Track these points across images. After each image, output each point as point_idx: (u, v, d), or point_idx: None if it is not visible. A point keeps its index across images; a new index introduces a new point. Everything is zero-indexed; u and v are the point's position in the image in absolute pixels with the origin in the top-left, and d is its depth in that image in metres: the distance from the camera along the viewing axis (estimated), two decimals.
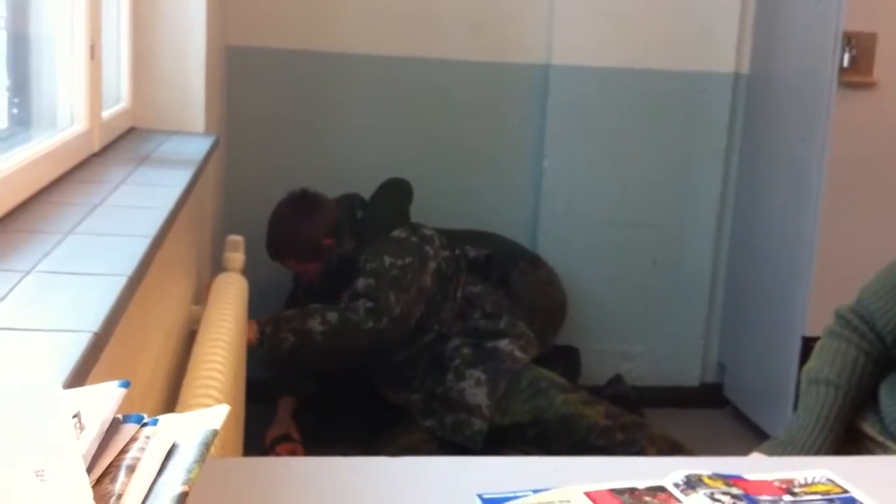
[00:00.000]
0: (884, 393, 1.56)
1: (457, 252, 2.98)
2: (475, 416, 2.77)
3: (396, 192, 3.01)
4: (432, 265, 2.86)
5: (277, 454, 2.76)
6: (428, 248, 2.87)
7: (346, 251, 2.90)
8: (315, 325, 2.70)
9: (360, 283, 2.77)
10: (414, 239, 2.87)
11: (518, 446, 2.77)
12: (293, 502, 0.96)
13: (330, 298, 2.82)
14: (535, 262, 3.14)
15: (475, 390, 2.79)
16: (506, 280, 3.05)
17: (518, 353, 2.84)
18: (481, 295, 2.97)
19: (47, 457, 0.51)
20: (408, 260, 2.82)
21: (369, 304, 2.74)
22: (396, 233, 2.87)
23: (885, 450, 1.53)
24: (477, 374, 2.80)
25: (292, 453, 2.77)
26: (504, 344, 2.86)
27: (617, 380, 3.33)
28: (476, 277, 3.01)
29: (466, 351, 2.86)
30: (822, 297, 2.99)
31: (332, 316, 2.72)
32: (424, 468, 1.08)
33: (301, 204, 2.93)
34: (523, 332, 2.92)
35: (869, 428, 1.56)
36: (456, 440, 2.77)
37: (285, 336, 2.68)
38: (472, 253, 3.04)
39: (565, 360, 3.24)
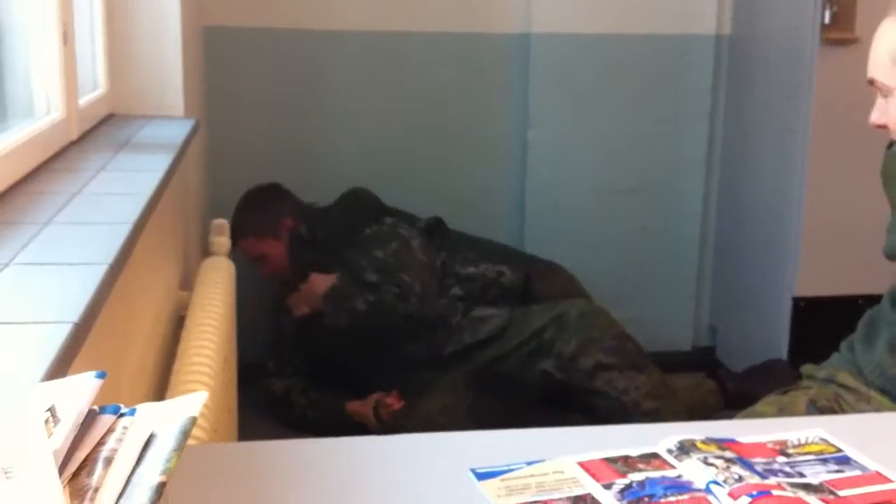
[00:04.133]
0: (859, 348, 1.59)
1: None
2: (493, 317, 2.86)
3: (358, 205, 3.00)
4: (415, 242, 2.87)
5: (389, 406, 2.84)
6: (402, 231, 2.89)
7: (308, 238, 2.92)
8: (360, 304, 2.78)
9: (372, 278, 2.80)
10: (386, 228, 2.89)
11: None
12: (287, 485, 0.95)
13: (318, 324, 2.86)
14: (551, 266, 3.12)
15: (487, 310, 2.88)
16: (527, 286, 3.03)
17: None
18: (449, 260, 2.98)
19: (15, 454, 0.50)
20: (394, 245, 2.85)
21: (395, 289, 2.77)
22: (367, 231, 2.89)
23: (867, 399, 1.55)
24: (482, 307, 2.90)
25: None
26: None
27: None
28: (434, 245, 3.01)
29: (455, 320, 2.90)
30: (811, 257, 3.00)
31: (371, 298, 2.78)
32: (417, 445, 1.07)
33: (259, 189, 3.01)
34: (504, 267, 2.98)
35: (849, 379, 1.58)
36: (481, 336, 2.84)
37: (342, 315, 2.80)
38: (420, 223, 3.01)
39: None
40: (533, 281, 3.02)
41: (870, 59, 1.47)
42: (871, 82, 1.47)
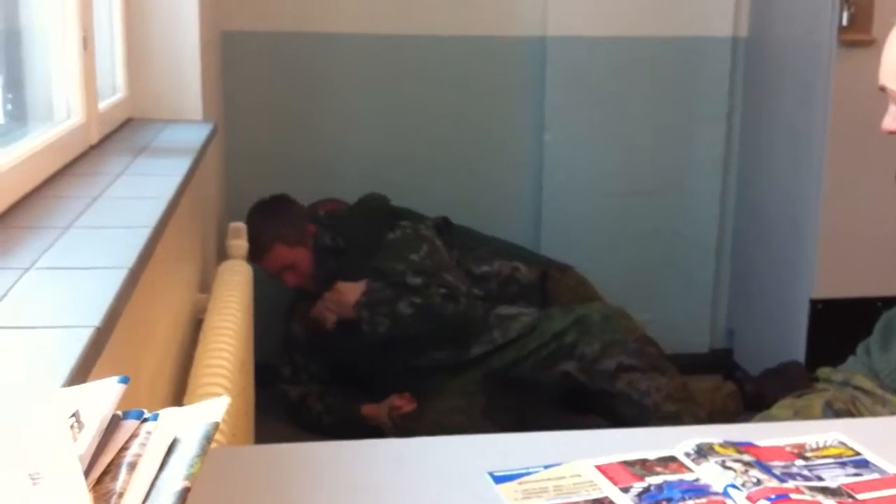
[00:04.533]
0: (875, 351, 1.58)
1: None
2: (521, 315, 2.85)
3: (376, 211, 2.98)
4: (438, 241, 2.87)
5: (399, 408, 2.84)
6: (425, 232, 2.88)
7: (332, 245, 2.90)
8: (404, 307, 2.76)
9: (415, 281, 2.79)
10: (410, 231, 2.88)
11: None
12: (304, 487, 0.96)
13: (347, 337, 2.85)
14: (563, 268, 3.10)
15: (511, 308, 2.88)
16: (542, 288, 3.01)
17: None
18: (461, 259, 2.96)
19: (42, 459, 0.51)
20: (424, 247, 2.84)
21: (442, 290, 2.76)
22: (391, 236, 2.87)
23: (883, 402, 1.55)
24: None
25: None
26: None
27: None
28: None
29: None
30: (828, 258, 2.98)
31: (417, 300, 2.77)
32: (434, 448, 1.08)
33: (273, 198, 2.97)
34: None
35: (866, 382, 1.58)
36: (512, 335, 2.83)
37: (381, 320, 2.77)
38: (429, 223, 2.98)
39: None
40: (546, 283, 3.01)
41: (881, 67, 1.46)
42: (883, 89, 1.47)
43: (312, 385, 2.95)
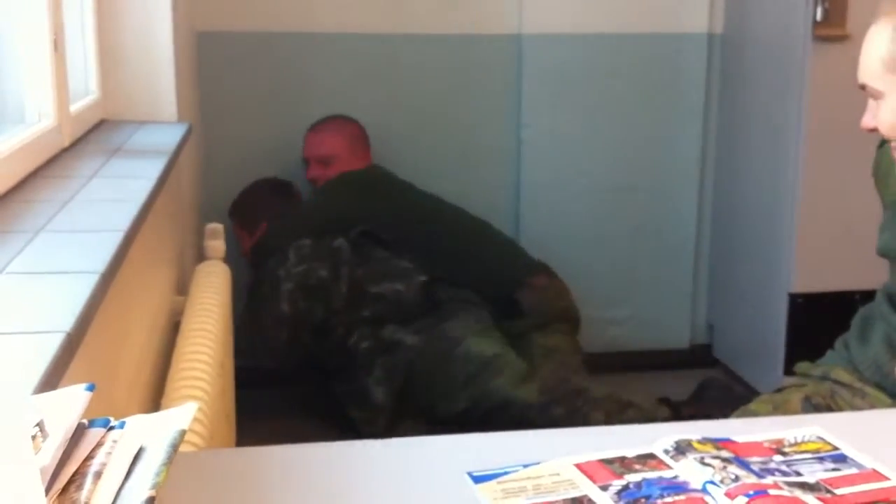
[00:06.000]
0: (853, 345, 1.59)
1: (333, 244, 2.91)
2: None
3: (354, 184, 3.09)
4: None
5: None
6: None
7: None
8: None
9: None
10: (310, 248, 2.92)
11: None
12: (284, 489, 0.95)
13: None
14: (537, 273, 3.05)
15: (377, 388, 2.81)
16: (514, 304, 2.97)
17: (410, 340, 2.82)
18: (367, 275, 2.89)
19: (1, 470, 0.50)
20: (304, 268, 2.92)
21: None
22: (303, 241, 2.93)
23: (863, 395, 1.55)
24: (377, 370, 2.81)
25: None
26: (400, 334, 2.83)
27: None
28: (361, 257, 2.91)
29: (365, 345, 2.84)
30: (806, 253, 3.00)
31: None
32: (413, 448, 1.07)
33: (284, 184, 3.12)
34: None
35: (845, 375, 1.58)
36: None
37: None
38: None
39: None
40: (525, 294, 2.98)
41: (860, 65, 1.47)
42: (863, 87, 1.48)
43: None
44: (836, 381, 1.59)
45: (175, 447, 0.56)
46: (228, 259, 2.40)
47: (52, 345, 0.86)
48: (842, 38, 2.82)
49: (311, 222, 2.95)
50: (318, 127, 3.12)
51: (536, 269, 3.08)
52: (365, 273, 2.87)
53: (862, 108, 1.51)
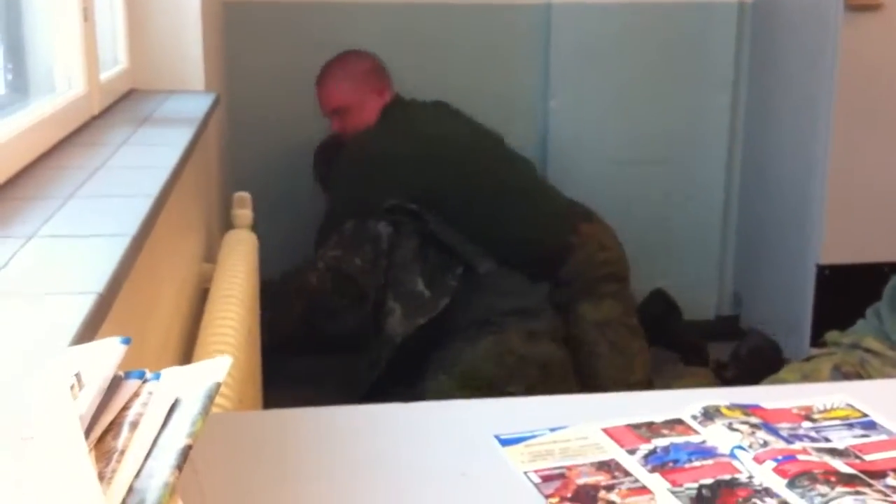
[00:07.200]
0: (885, 314, 1.58)
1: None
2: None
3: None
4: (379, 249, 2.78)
5: None
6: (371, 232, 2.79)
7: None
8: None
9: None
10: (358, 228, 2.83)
11: None
12: (312, 452, 0.96)
13: None
14: (579, 226, 2.94)
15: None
16: (561, 257, 2.87)
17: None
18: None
19: (40, 421, 0.51)
20: (360, 256, 2.80)
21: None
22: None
23: (894, 363, 1.55)
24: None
25: None
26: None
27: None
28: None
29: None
30: (835, 224, 2.97)
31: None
32: (440, 412, 1.07)
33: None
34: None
35: (875, 343, 1.58)
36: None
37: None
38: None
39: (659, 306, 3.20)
40: (567, 252, 2.87)
41: None
42: None
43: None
44: (867, 350, 1.59)
45: (211, 398, 0.57)
46: (256, 228, 2.42)
47: (84, 305, 0.87)
48: (875, 7, 2.78)
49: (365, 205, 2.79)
50: (320, 78, 3.00)
51: (576, 217, 2.96)
52: (399, 265, 2.74)
53: (893, 79, 1.49)
